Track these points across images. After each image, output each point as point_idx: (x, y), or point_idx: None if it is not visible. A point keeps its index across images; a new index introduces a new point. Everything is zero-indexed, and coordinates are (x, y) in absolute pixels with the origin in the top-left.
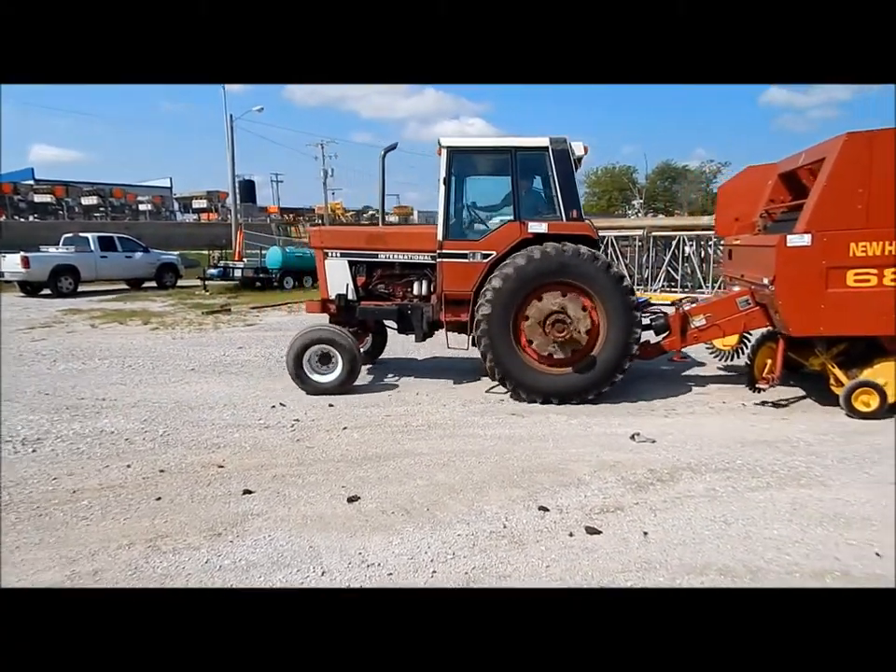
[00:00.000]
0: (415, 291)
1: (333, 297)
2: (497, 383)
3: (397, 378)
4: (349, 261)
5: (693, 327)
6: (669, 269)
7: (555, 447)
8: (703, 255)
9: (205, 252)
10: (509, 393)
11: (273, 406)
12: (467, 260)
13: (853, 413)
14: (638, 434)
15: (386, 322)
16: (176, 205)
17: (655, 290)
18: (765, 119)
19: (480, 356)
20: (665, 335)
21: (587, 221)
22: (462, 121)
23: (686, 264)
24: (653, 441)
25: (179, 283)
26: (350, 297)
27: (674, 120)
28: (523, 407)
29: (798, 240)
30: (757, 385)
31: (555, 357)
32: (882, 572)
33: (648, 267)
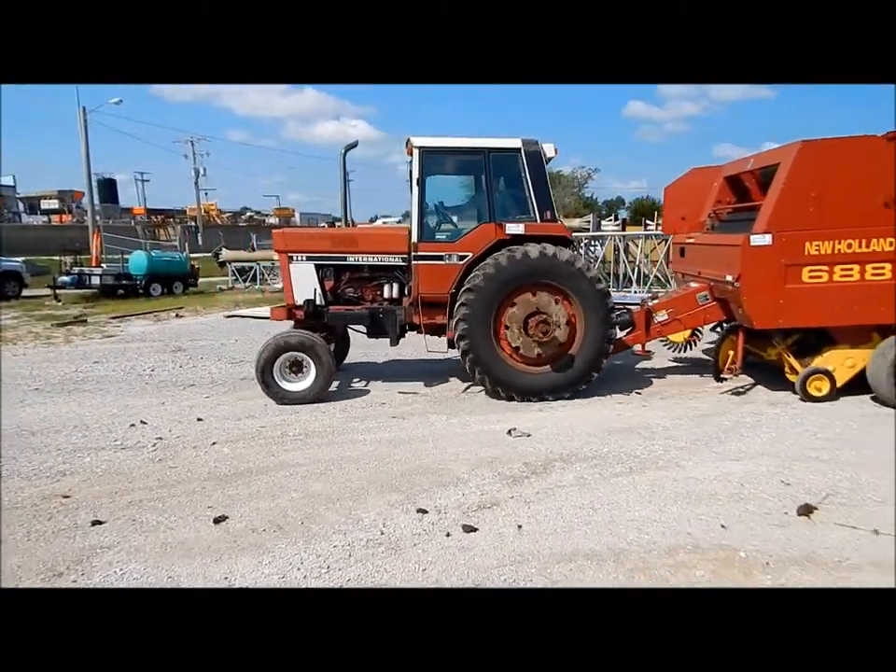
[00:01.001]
0: (386, 294)
1: (301, 302)
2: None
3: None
4: (316, 265)
5: (656, 322)
6: None
7: (435, 447)
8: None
9: (57, 258)
10: (484, 391)
11: (133, 424)
12: (443, 262)
13: (807, 397)
14: (515, 429)
15: (354, 326)
16: (21, 206)
17: None
18: (628, 130)
19: (460, 356)
20: (629, 331)
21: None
22: (343, 122)
23: None
24: (529, 435)
25: (25, 293)
26: (318, 302)
27: (551, 126)
28: (404, 410)
29: (760, 240)
30: (722, 375)
31: (535, 356)
32: (727, 542)
33: None
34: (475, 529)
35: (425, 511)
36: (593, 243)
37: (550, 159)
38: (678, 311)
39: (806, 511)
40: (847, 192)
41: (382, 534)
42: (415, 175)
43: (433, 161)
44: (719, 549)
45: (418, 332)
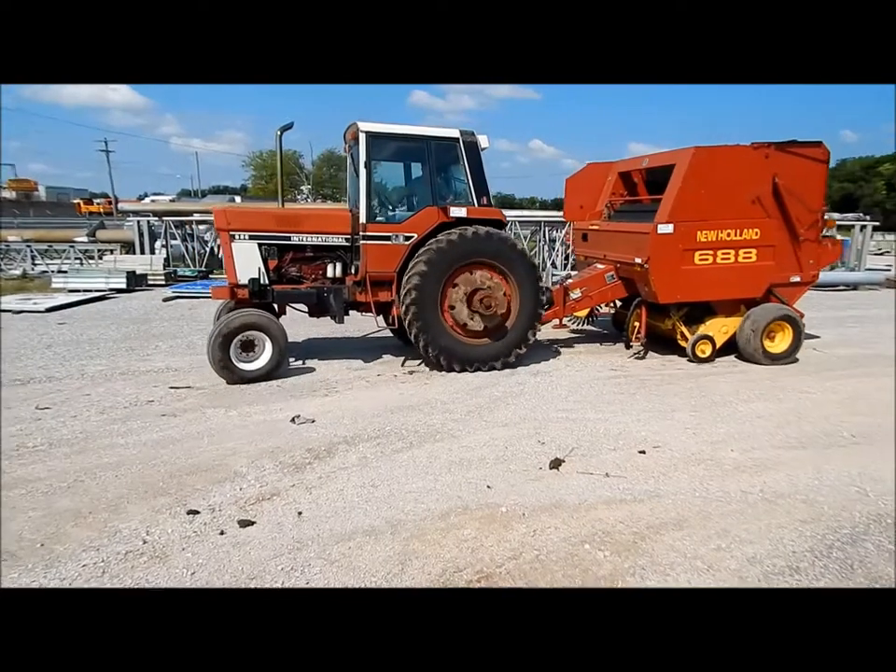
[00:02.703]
0: (329, 273)
1: (245, 282)
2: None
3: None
4: (258, 244)
5: (570, 299)
6: None
7: (211, 444)
8: None
9: None
10: (422, 363)
11: None
12: (390, 242)
13: (695, 358)
14: (299, 416)
15: (296, 306)
16: None
17: None
18: (412, 119)
19: (410, 332)
20: (547, 307)
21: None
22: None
23: None
24: (313, 421)
25: None
26: (262, 281)
27: (336, 112)
28: (175, 406)
29: (665, 228)
30: (631, 344)
31: (477, 328)
32: (492, 500)
33: None
34: (252, 523)
35: (196, 512)
36: None
37: (484, 149)
38: (590, 289)
39: (556, 464)
40: (726, 190)
41: (144, 543)
42: (362, 158)
43: (378, 145)
44: (485, 507)
45: (359, 311)
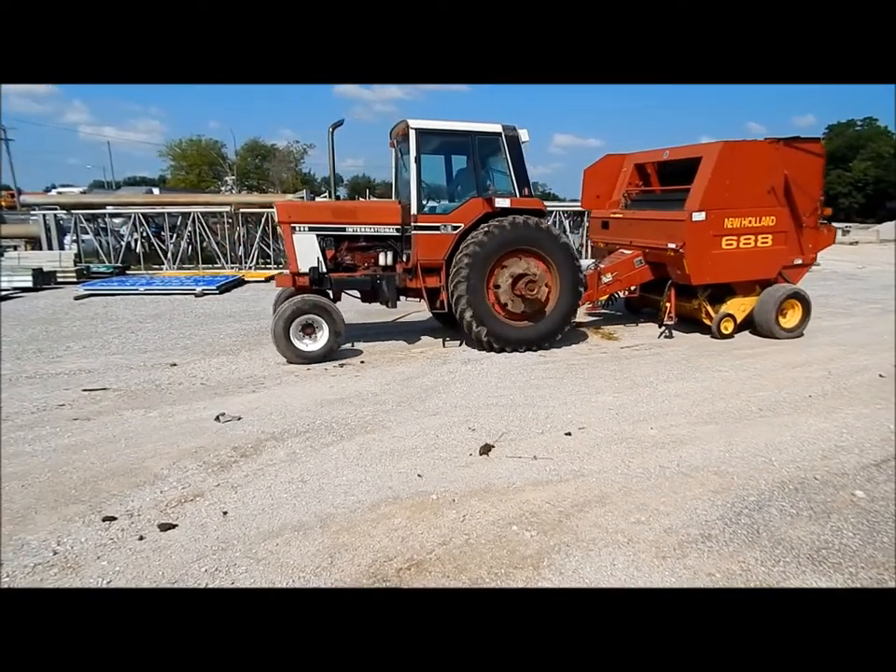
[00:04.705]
0: (381, 262)
1: (306, 270)
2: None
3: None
4: (317, 235)
5: (602, 283)
6: (262, 245)
7: (129, 447)
8: None
9: None
10: (474, 344)
11: None
12: (439, 232)
13: (720, 334)
14: (224, 414)
15: (350, 292)
16: None
17: (250, 267)
18: (341, 108)
19: (458, 315)
20: (582, 291)
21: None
22: None
23: (278, 241)
24: (239, 419)
25: None
26: (321, 269)
27: (261, 101)
28: (89, 410)
29: (698, 216)
30: (664, 322)
31: (515, 311)
32: (423, 489)
33: (241, 244)
34: (174, 526)
35: (113, 519)
36: None
37: (524, 142)
38: (620, 273)
39: (486, 450)
40: (747, 181)
41: (55, 554)
42: (412, 153)
43: (426, 141)
44: (415, 496)
45: (407, 297)
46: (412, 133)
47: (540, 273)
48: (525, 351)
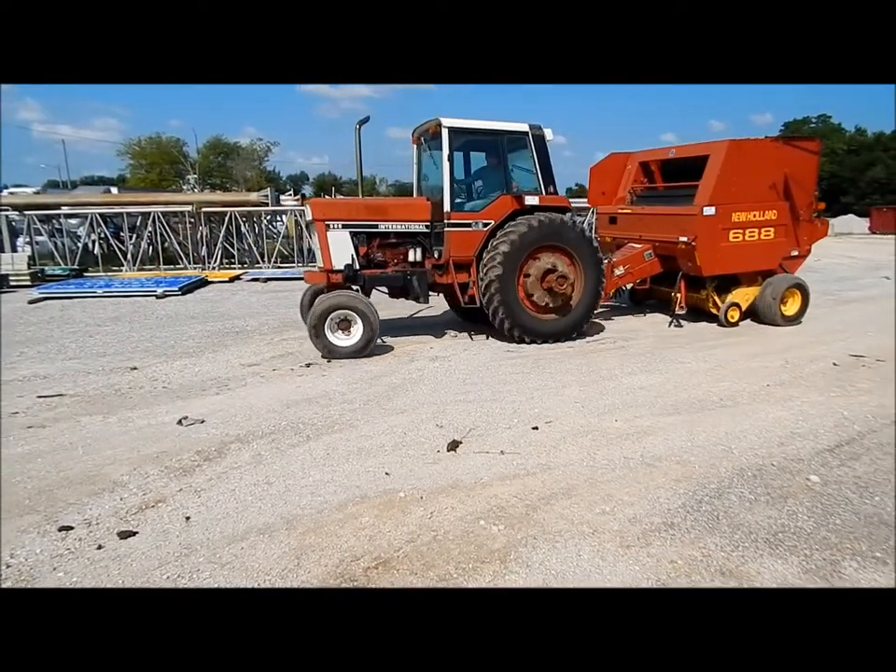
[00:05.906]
0: (410, 258)
1: (340, 267)
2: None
3: None
4: (351, 232)
5: (615, 275)
6: (226, 245)
7: (86, 454)
8: (257, 231)
9: None
10: (502, 337)
11: None
12: (470, 229)
13: (727, 322)
14: (186, 417)
15: (380, 288)
16: None
17: (213, 267)
18: (305, 106)
19: (489, 309)
20: None
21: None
22: None
23: (242, 241)
24: (202, 422)
25: None
26: (355, 266)
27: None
28: (45, 417)
29: (709, 210)
30: (675, 312)
31: (541, 304)
32: (390, 487)
33: (204, 244)
34: (134, 533)
35: (69, 528)
36: (276, 217)
37: (549, 140)
38: (632, 266)
39: (454, 446)
40: (752, 177)
41: (8, 567)
42: (445, 151)
43: (458, 139)
44: (383, 494)
45: (436, 292)
46: (445, 132)
47: (565, 268)
48: (552, 342)
